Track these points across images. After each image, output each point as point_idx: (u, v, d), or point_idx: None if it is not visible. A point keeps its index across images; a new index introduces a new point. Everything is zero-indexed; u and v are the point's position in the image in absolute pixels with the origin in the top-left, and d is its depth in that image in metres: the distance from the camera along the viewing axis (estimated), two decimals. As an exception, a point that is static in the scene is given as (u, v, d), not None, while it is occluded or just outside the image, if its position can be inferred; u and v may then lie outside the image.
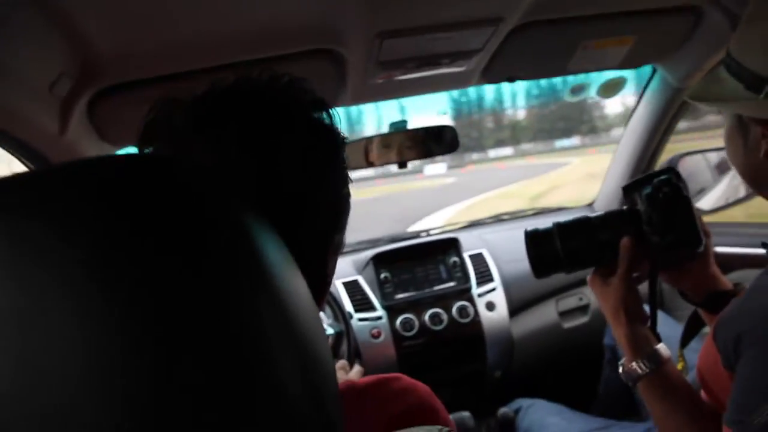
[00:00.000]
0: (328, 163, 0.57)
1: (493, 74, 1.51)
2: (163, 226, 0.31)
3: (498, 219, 2.36)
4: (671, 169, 0.98)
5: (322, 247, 0.57)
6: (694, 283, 1.03)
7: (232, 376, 0.30)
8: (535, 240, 1.03)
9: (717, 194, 2.02)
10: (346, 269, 1.98)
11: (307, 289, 0.40)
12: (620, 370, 0.98)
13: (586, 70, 1.61)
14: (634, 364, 0.94)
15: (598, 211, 2.19)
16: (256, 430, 0.31)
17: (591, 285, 1.03)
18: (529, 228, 1.05)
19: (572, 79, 1.73)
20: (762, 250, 0.89)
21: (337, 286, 1.90)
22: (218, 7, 1.02)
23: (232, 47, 1.17)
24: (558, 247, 1.01)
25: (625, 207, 1.02)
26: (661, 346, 0.95)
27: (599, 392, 1.88)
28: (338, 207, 0.58)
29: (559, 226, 1.03)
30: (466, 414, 1.72)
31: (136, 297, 0.28)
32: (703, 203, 2.06)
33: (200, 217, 0.33)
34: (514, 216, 2.38)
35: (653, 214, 0.94)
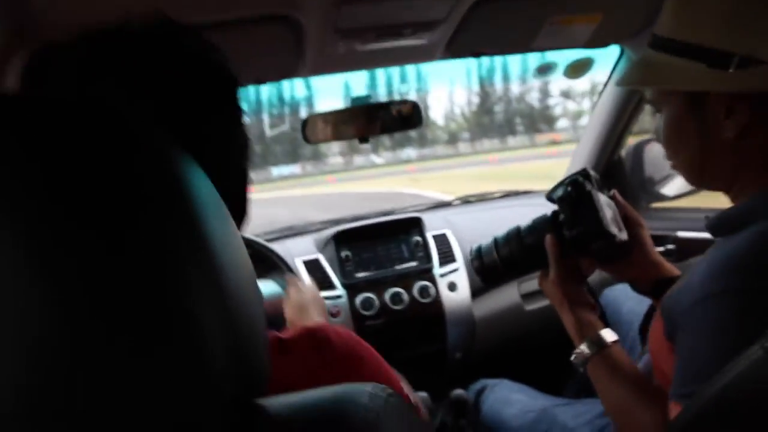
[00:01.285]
0: (226, 100, 0.55)
1: (457, 48, 1.48)
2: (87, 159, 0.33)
3: (465, 201, 2.34)
4: (581, 171, 1.05)
5: (242, 181, 0.58)
6: (638, 274, 1.06)
7: (148, 303, 0.32)
8: (477, 255, 1.17)
9: (681, 181, 2.03)
10: (307, 247, 1.94)
11: (237, 235, 0.42)
12: (572, 357, 1.02)
13: (552, 48, 1.58)
14: (581, 347, 0.99)
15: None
16: (168, 356, 0.33)
17: (540, 286, 1.11)
18: (474, 245, 1.18)
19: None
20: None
21: (297, 265, 1.86)
22: None
23: (183, 8, 1.12)
24: (496, 258, 1.13)
25: (549, 212, 1.09)
26: (605, 331, 0.99)
27: (575, 373, 1.86)
28: (244, 140, 0.58)
29: (495, 239, 1.15)
30: (423, 395, 1.69)
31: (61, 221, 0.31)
32: (668, 189, 2.06)
33: (126, 157, 0.34)
34: (481, 198, 2.36)
35: (564, 213, 1.03)
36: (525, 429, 1.40)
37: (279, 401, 0.44)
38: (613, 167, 2.07)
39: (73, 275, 0.31)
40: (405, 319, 1.82)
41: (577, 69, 1.73)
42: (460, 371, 1.97)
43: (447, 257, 1.91)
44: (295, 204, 18.98)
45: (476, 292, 1.92)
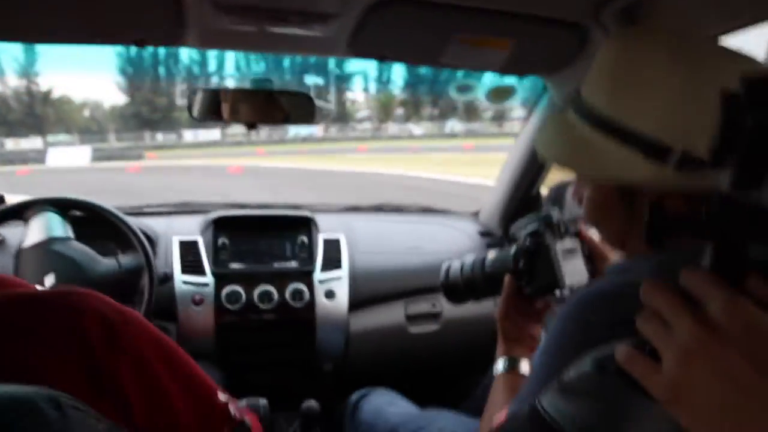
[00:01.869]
0: None
1: (359, 48, 1.37)
2: None
3: (378, 208, 2.24)
4: (545, 217, 1.08)
5: None
6: None
7: None
8: (446, 272, 1.24)
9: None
10: (190, 227, 1.83)
11: None
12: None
13: (465, 67, 1.48)
14: (498, 362, 1.07)
15: (482, 218, 2.12)
16: None
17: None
18: (446, 262, 1.25)
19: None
20: None
21: (173, 244, 1.75)
22: None
23: None
24: (459, 279, 1.22)
25: (512, 249, 1.12)
26: (525, 361, 1.05)
27: (474, 397, 1.78)
28: None
29: (463, 262, 1.23)
30: (262, 401, 1.60)
31: None
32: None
33: None
34: (396, 209, 2.26)
35: (521, 263, 1.08)
36: (404, 425, 1.38)
37: None
38: (531, 202, 1.99)
39: None
40: (271, 321, 1.72)
41: (499, 94, 1.64)
42: (330, 384, 1.88)
43: (332, 263, 1.82)
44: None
45: (356, 305, 1.83)
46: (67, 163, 21.51)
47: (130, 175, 16.66)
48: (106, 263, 1.54)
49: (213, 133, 30.33)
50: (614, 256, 1.10)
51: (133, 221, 1.58)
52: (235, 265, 1.75)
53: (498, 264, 1.16)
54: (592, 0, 1.17)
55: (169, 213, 1.98)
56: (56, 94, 38.51)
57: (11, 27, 1.27)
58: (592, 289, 0.77)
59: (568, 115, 0.82)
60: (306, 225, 1.86)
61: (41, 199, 1.55)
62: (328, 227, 1.90)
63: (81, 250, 1.51)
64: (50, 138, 31.29)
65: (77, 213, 1.61)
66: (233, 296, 1.69)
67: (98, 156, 24.25)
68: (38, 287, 1.36)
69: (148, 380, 0.60)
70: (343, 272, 1.81)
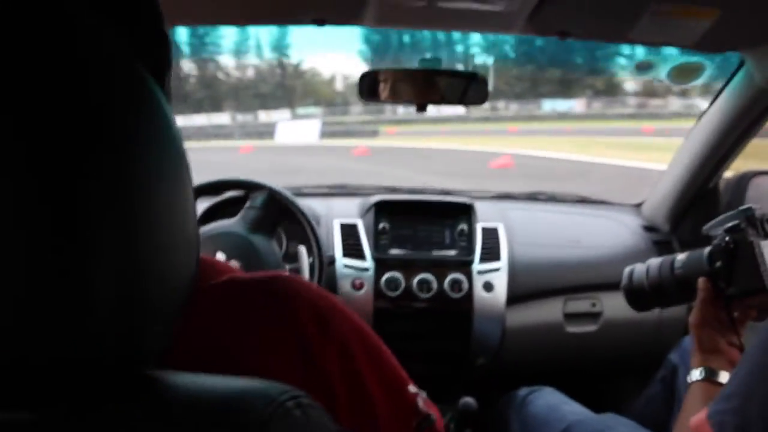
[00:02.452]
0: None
1: (540, 24, 1.30)
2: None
3: (532, 197, 2.16)
4: (746, 211, 1.00)
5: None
6: None
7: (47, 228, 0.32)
8: (629, 276, 1.17)
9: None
10: (349, 210, 1.85)
11: (179, 190, 0.40)
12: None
13: (653, 42, 1.37)
14: (694, 371, 1.01)
15: (646, 212, 1.98)
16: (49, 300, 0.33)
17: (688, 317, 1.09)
18: (628, 266, 1.18)
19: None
20: None
21: (334, 227, 1.77)
22: None
23: None
24: (645, 283, 1.13)
25: (706, 249, 1.06)
26: (724, 373, 0.98)
27: (636, 405, 1.70)
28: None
29: (648, 264, 1.15)
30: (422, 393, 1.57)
31: None
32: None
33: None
34: (551, 198, 2.16)
35: (721, 263, 1.00)
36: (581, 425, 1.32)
37: (172, 380, 0.41)
38: (706, 195, 1.82)
39: None
40: (428, 310, 1.70)
41: (684, 73, 1.50)
42: (481, 378, 1.83)
43: (491, 254, 1.76)
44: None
45: (514, 299, 1.76)
46: (294, 140, 19.51)
47: (355, 160, 13.87)
48: (273, 246, 1.57)
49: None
50: None
51: (302, 203, 1.62)
52: (394, 251, 1.75)
53: (690, 265, 1.08)
54: None
55: (328, 194, 2.02)
56: (305, 67, 38.43)
57: (197, 11, 1.34)
58: None
59: None
60: (466, 212, 1.82)
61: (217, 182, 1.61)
62: (485, 215, 1.85)
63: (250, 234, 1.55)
64: (300, 110, 29.23)
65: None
66: (392, 283, 1.68)
67: (331, 131, 21.90)
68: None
69: (352, 373, 0.60)
70: (503, 264, 1.74)
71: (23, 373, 0.35)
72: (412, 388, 0.68)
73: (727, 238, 1.00)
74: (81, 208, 0.33)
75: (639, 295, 1.16)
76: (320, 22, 1.32)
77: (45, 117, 0.33)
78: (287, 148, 17.33)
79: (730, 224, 1.01)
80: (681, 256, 1.11)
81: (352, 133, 21.60)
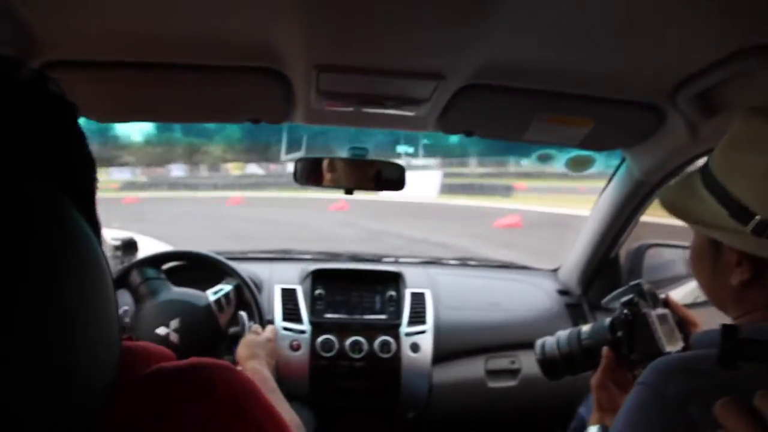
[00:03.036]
0: (66, 125, 0.59)
1: (448, 125, 1.52)
2: None
3: (463, 262, 2.35)
4: (636, 286, 1.15)
5: (91, 198, 0.61)
6: None
7: None
8: (542, 349, 1.28)
9: (687, 290, 1.98)
10: (290, 276, 2.01)
11: (95, 288, 0.46)
12: None
13: (546, 143, 1.59)
14: (591, 429, 1.13)
15: (561, 277, 2.18)
16: None
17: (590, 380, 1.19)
18: (539, 339, 1.29)
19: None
20: None
21: (275, 292, 1.93)
22: (156, 4, 1.04)
23: (177, 48, 1.21)
24: (557, 354, 1.25)
25: (607, 320, 1.18)
26: None
27: None
28: (89, 161, 0.61)
29: (558, 337, 1.27)
30: None
31: None
32: (674, 294, 2.02)
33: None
34: (481, 263, 2.37)
35: (621, 333, 1.13)
36: None
37: None
38: (610, 264, 2.04)
39: None
40: (360, 369, 1.85)
41: (578, 164, 1.73)
42: (414, 430, 1.98)
43: (418, 317, 1.93)
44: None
45: (439, 358, 1.93)
46: (414, 194, 15.07)
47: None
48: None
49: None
50: (702, 323, 1.15)
51: (243, 268, 1.78)
52: (329, 315, 1.91)
53: (594, 336, 1.20)
54: (669, 85, 1.26)
55: (271, 259, 2.18)
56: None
57: (141, 109, 1.51)
58: (670, 359, 0.84)
59: (693, 173, 0.93)
60: (395, 279, 2.00)
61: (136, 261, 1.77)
62: (414, 281, 2.03)
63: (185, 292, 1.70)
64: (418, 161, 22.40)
65: (180, 263, 1.83)
66: (327, 344, 1.84)
67: (455, 187, 18.73)
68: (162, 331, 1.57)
69: None
70: (428, 326, 1.92)
71: None
72: None
73: (625, 311, 1.14)
74: (12, 328, 0.39)
75: (552, 365, 1.26)
76: (256, 121, 1.51)
77: None
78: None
79: (625, 299, 1.16)
80: (586, 328, 1.24)
81: (480, 189, 18.11)
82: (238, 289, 1.75)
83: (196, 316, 1.62)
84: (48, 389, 0.41)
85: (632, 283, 1.19)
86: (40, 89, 0.57)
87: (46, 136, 0.55)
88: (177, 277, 1.76)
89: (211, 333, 1.65)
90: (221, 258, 1.79)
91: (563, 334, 1.27)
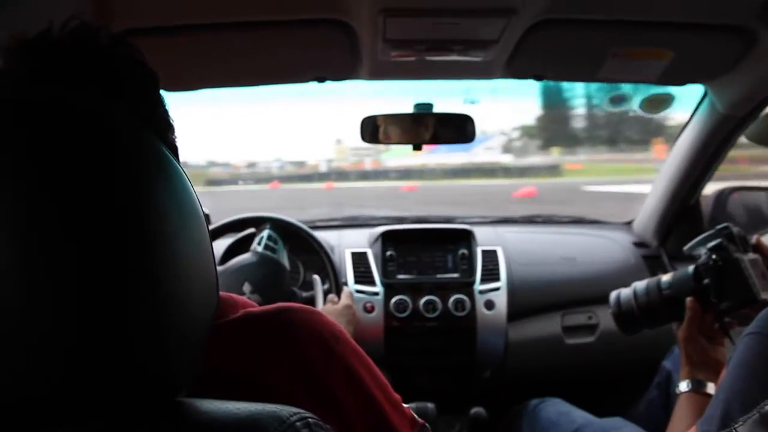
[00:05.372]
0: (149, 88, 0.62)
1: (517, 69, 1.47)
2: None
3: (530, 220, 2.30)
4: (724, 230, 1.09)
5: (175, 156, 0.62)
6: None
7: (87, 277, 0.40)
8: (616, 301, 1.22)
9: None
10: (359, 240, 2.01)
11: (197, 239, 0.47)
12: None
13: (621, 80, 1.52)
14: (682, 383, 1.10)
15: (636, 229, 2.11)
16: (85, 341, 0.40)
17: (674, 333, 1.16)
18: (613, 292, 1.24)
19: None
20: None
21: (346, 256, 1.93)
22: None
23: (243, 5, 1.21)
24: (634, 306, 1.19)
25: (690, 268, 1.13)
26: (709, 384, 1.07)
27: (637, 410, 1.80)
28: (169, 121, 0.64)
29: (635, 288, 1.20)
30: (430, 405, 1.71)
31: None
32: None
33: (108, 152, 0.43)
34: (548, 219, 2.31)
35: (710, 280, 1.07)
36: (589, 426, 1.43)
37: (198, 405, 0.47)
38: (689, 212, 1.95)
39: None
40: (435, 328, 1.83)
41: (654, 104, 1.64)
42: (488, 390, 1.96)
43: (491, 275, 1.90)
44: None
45: (514, 315, 1.89)
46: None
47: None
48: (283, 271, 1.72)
49: None
50: None
51: (318, 236, 1.79)
52: (401, 276, 1.90)
53: (677, 285, 1.14)
54: (758, 1, 1.17)
55: (340, 226, 2.19)
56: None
57: (208, 75, 1.52)
58: None
59: None
60: (466, 237, 1.96)
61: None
62: (484, 239, 1.99)
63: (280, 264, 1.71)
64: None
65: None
66: (401, 305, 1.83)
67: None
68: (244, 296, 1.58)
69: (361, 391, 0.66)
70: (502, 283, 1.88)
71: (74, 396, 0.40)
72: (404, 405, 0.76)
73: (714, 257, 1.08)
74: (119, 266, 0.40)
75: (629, 318, 1.21)
76: (321, 79, 1.49)
77: (86, 198, 0.40)
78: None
79: (712, 243, 1.09)
80: (666, 277, 1.18)
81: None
82: (277, 228, 1.74)
83: (259, 271, 1.62)
84: (154, 319, 0.43)
85: (719, 226, 1.12)
86: (122, 55, 0.60)
87: (130, 95, 0.58)
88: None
89: (283, 280, 1.65)
90: (250, 215, 1.80)
91: (641, 284, 1.21)
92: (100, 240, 0.40)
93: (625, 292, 1.22)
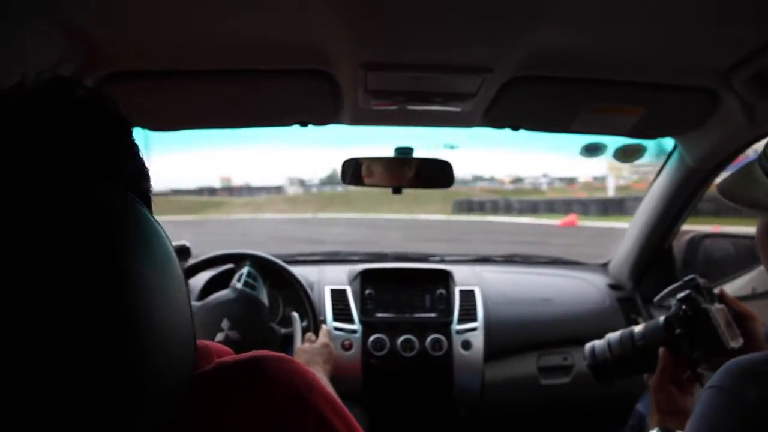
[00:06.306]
0: (121, 137, 0.62)
1: (495, 120, 1.51)
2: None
3: (508, 259, 2.33)
4: (691, 281, 1.12)
5: (147, 204, 0.63)
6: None
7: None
8: (591, 353, 1.25)
9: (743, 282, 1.93)
10: (339, 277, 2.03)
11: (172, 291, 0.49)
12: None
13: (596, 132, 1.57)
14: (652, 431, 1.10)
15: (612, 271, 2.15)
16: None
17: (647, 382, 1.17)
18: (588, 344, 1.26)
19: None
20: None
21: (325, 292, 1.95)
22: (208, 12, 1.07)
23: (227, 54, 1.24)
24: (608, 357, 1.21)
25: (661, 318, 1.16)
26: None
27: None
28: (143, 169, 0.64)
29: (608, 339, 1.23)
30: None
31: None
32: (730, 286, 1.96)
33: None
34: (526, 260, 2.35)
35: (681, 331, 1.11)
36: None
37: None
38: (662, 256, 2.00)
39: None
40: (412, 368, 1.85)
41: (628, 154, 1.70)
42: (464, 429, 1.97)
43: (468, 315, 1.93)
44: None
45: (491, 355, 1.92)
46: None
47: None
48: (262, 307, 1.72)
49: None
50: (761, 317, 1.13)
51: (297, 271, 1.81)
52: (380, 314, 1.92)
53: (649, 335, 1.17)
54: (723, 67, 1.23)
55: (320, 261, 2.20)
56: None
57: (194, 117, 1.55)
58: (743, 361, 0.80)
59: (752, 164, 0.91)
60: (444, 277, 1.99)
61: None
62: (462, 279, 2.02)
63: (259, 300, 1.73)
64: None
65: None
66: (378, 343, 1.85)
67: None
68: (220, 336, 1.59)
69: None
70: (479, 323, 1.91)
71: None
72: None
73: (683, 307, 1.11)
74: (98, 328, 0.42)
75: (603, 369, 1.23)
76: (304, 124, 1.53)
77: (62, 256, 0.42)
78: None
79: (681, 294, 1.13)
80: (638, 329, 1.21)
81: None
82: (256, 265, 1.77)
83: (238, 307, 1.64)
84: (127, 381, 0.44)
85: (686, 278, 1.16)
86: (95, 106, 0.60)
87: (102, 147, 0.59)
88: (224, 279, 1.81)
89: (261, 317, 1.67)
90: (230, 252, 1.83)
91: (614, 336, 1.24)
92: (79, 306, 0.42)
93: (600, 344, 1.25)
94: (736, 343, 1.06)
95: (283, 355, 0.70)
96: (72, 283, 0.42)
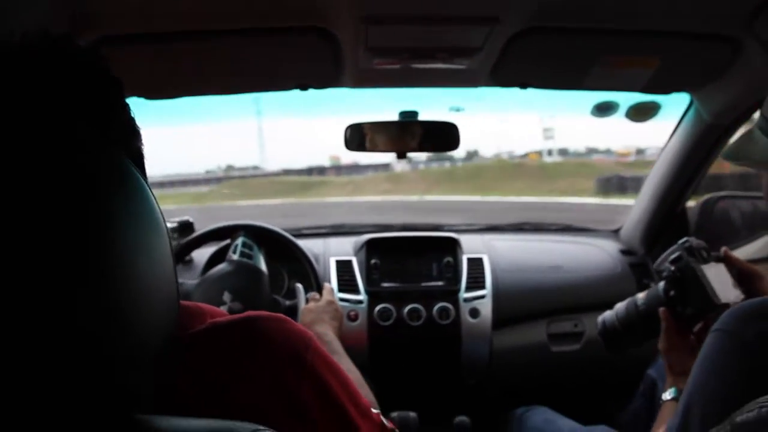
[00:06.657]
0: (114, 97, 0.60)
1: (502, 77, 1.45)
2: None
3: (518, 227, 2.28)
4: (684, 243, 1.16)
5: (140, 162, 0.63)
6: None
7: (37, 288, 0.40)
8: (602, 324, 1.30)
9: (755, 248, 1.88)
10: (345, 248, 1.99)
11: (155, 246, 0.48)
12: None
13: (608, 88, 1.51)
14: (666, 392, 1.13)
15: (624, 237, 2.10)
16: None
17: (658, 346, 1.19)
18: (600, 316, 1.31)
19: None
20: None
21: (331, 264, 1.91)
22: None
23: (224, 13, 1.18)
24: (616, 323, 1.26)
25: (661, 283, 1.19)
26: None
27: (623, 418, 1.79)
28: (135, 128, 0.63)
29: (617, 308, 1.28)
30: (412, 414, 1.69)
31: None
32: (739, 253, 1.91)
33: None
34: (537, 227, 2.30)
35: (673, 292, 1.15)
36: None
37: (153, 422, 0.47)
38: (675, 220, 1.94)
39: None
40: (419, 337, 1.82)
41: (641, 112, 1.63)
42: (472, 398, 1.94)
43: (476, 283, 1.88)
44: None
45: (500, 323, 1.88)
46: None
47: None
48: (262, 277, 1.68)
49: None
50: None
51: (302, 244, 1.76)
52: (386, 284, 1.87)
53: (650, 301, 1.21)
54: (745, 11, 1.16)
55: (325, 234, 2.16)
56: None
57: (189, 83, 1.49)
58: (747, 304, 0.83)
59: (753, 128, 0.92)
60: (451, 245, 1.94)
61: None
62: (470, 247, 1.97)
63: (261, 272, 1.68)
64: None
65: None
66: (385, 313, 1.81)
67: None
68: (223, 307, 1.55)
69: (330, 401, 0.65)
70: (487, 291, 1.87)
71: (26, 410, 0.41)
72: (374, 409, 0.76)
73: (672, 268, 1.15)
74: (75, 277, 0.41)
75: (613, 337, 1.27)
76: (304, 87, 1.47)
77: (44, 207, 0.41)
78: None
79: (672, 257, 1.16)
80: (641, 295, 1.24)
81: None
82: (250, 234, 1.71)
83: (237, 278, 1.59)
84: (103, 336, 0.42)
85: (680, 241, 1.18)
86: (86, 62, 0.59)
87: (94, 103, 0.57)
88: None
89: (262, 286, 1.61)
90: (221, 225, 1.76)
91: (621, 305, 1.28)
92: (51, 246, 0.40)
93: (609, 314, 1.29)
94: (734, 297, 1.08)
95: (278, 314, 0.69)
96: (47, 218, 0.41)
